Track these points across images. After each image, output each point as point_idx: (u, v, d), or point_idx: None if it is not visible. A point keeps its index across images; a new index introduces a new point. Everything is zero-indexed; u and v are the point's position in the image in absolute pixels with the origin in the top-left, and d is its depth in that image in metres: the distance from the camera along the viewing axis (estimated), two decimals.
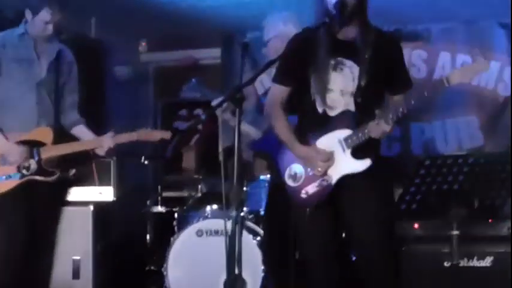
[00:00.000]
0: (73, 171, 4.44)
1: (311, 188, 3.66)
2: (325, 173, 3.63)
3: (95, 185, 4.94)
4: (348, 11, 3.55)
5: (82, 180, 4.87)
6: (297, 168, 3.71)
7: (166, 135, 4.37)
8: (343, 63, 3.64)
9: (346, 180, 3.62)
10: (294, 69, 3.73)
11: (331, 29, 3.59)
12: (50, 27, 4.28)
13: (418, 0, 6.33)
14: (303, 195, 3.68)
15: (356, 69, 3.62)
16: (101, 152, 4.37)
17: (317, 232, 3.72)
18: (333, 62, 3.64)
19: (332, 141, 3.64)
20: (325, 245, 3.75)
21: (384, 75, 3.65)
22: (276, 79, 3.85)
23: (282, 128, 3.77)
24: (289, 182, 3.74)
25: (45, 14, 4.23)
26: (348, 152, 3.60)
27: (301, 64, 3.69)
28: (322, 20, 3.62)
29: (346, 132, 3.61)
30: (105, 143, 4.30)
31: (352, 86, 3.63)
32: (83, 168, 4.85)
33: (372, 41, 3.61)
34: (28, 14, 4.30)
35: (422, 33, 7.08)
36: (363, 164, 3.60)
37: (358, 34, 3.64)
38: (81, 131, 4.52)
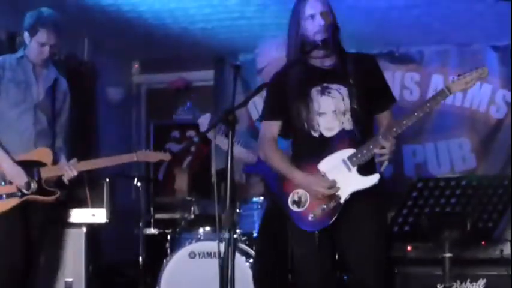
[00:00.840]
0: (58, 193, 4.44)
1: (318, 211, 3.61)
2: (334, 194, 3.60)
3: (87, 207, 4.94)
4: (327, 42, 3.60)
5: (75, 202, 4.90)
6: (301, 193, 3.67)
7: (166, 157, 4.54)
8: (330, 87, 3.67)
9: (355, 197, 3.59)
10: (280, 103, 3.75)
11: (309, 60, 3.65)
12: (46, 49, 4.37)
13: (411, 23, 6.38)
14: (311, 219, 3.62)
15: (344, 89, 3.65)
16: (66, 176, 4.42)
17: (321, 256, 3.68)
18: (319, 88, 3.67)
19: (336, 162, 3.63)
20: (329, 270, 3.73)
21: (368, 97, 3.67)
22: (265, 117, 3.87)
23: (280, 163, 3.75)
24: (293, 208, 3.68)
25: (41, 36, 4.33)
26: (354, 169, 3.59)
27: (286, 98, 3.71)
28: (299, 56, 3.66)
29: (349, 151, 3.60)
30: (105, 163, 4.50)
31: (343, 106, 3.64)
32: (76, 190, 4.87)
33: (350, 68, 3.65)
34: (26, 38, 4.39)
35: (415, 56, 7.13)
36: (372, 179, 3.59)
37: (338, 63, 3.68)
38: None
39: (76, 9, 5.80)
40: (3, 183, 4.28)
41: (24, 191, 4.28)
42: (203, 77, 8.01)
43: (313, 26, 3.62)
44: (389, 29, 6.34)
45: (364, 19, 5.87)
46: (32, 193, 4.30)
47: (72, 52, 6.53)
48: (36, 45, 4.37)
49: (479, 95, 6.80)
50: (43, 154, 4.42)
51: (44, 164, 4.39)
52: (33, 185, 4.31)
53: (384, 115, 3.79)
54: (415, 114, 3.54)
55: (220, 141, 4.72)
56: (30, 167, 4.33)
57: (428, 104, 3.57)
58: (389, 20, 6.23)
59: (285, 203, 3.71)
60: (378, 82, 3.78)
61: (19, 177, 4.27)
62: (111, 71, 7.64)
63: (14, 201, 4.28)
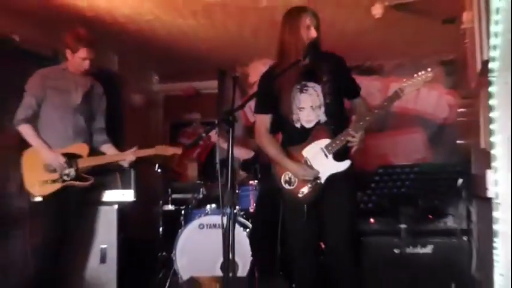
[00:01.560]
0: (92, 179, 4.46)
1: (306, 189, 3.64)
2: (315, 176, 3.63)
3: (118, 189, 4.95)
4: (316, 50, 3.63)
5: (108, 185, 4.90)
6: (290, 174, 3.69)
7: (178, 150, 4.53)
8: (307, 85, 3.66)
9: (332, 179, 3.61)
10: (268, 99, 3.73)
11: (292, 62, 3.56)
12: (87, 63, 4.41)
13: (375, 42, 6.42)
14: (300, 195, 3.65)
15: (318, 87, 3.65)
16: (124, 164, 4.52)
17: (309, 226, 3.69)
18: (298, 86, 3.66)
19: (315, 149, 3.63)
20: (313, 236, 3.74)
21: (340, 89, 3.69)
22: (258, 110, 3.86)
23: (271, 148, 3.77)
24: (286, 186, 3.70)
25: (82, 52, 4.36)
26: (331, 156, 3.60)
27: (273, 94, 3.69)
28: (283, 58, 3.64)
29: (325, 141, 3.62)
30: (128, 156, 4.46)
31: (318, 101, 3.64)
32: (109, 175, 4.89)
33: (324, 67, 3.64)
34: (69, 54, 4.41)
35: (377, 68, 7.16)
36: (345, 164, 3.62)
37: (313, 63, 3.64)
38: (109, 147, 4.62)
39: (108, 32, 5.83)
40: (48, 171, 4.28)
41: (64, 177, 4.29)
42: (209, 85, 8.03)
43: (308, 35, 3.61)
44: (358, 47, 6.37)
45: (338, 38, 5.91)
46: (71, 180, 4.32)
47: (105, 65, 6.54)
48: (79, 60, 4.39)
49: (428, 100, 6.84)
50: (80, 148, 4.42)
51: (80, 156, 4.39)
52: (72, 173, 4.31)
53: (357, 102, 3.83)
54: (376, 111, 3.57)
55: (222, 144, 4.74)
56: (69, 158, 4.34)
57: (385, 103, 3.58)
58: (358, 40, 6.27)
59: (279, 182, 3.73)
60: (345, 77, 3.79)
61: (56, 160, 4.27)
62: (135, 81, 7.64)
63: (57, 186, 4.29)
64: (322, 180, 3.63)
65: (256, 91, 3.88)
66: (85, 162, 4.40)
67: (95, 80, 4.64)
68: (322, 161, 3.63)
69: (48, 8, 5.22)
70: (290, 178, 3.68)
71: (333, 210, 3.64)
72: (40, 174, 4.29)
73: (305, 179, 3.63)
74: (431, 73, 3.57)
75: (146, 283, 5.28)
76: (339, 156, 3.62)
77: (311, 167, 3.64)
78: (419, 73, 3.59)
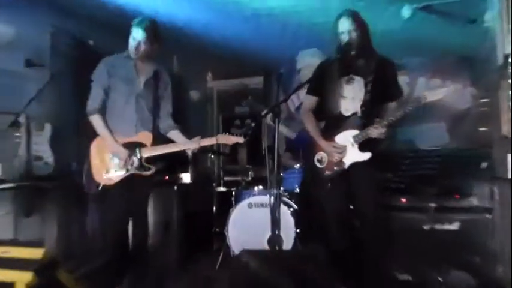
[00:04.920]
0: (153, 168, 4.06)
1: (331, 170, 3.71)
2: (340, 160, 3.66)
3: (177, 172, 4.93)
4: (353, 48, 3.64)
5: (170, 169, 4.85)
6: (322, 155, 3.77)
7: (241, 140, 4.02)
8: (353, 78, 3.70)
9: (355, 166, 3.67)
10: (319, 85, 3.80)
11: (344, 57, 3.65)
12: (138, 44, 3.98)
13: (403, 40, 6.26)
14: (326, 174, 3.73)
15: (362, 82, 3.68)
16: (189, 152, 4.07)
17: (335, 202, 3.73)
18: (346, 77, 3.71)
19: (346, 137, 3.70)
20: (341, 211, 3.75)
21: (382, 90, 3.66)
22: (308, 91, 3.91)
23: (310, 125, 3.86)
24: (317, 164, 3.79)
25: (134, 32, 3.97)
26: (356, 146, 3.66)
27: (323, 81, 3.75)
28: (336, 54, 3.68)
29: (354, 132, 3.67)
30: (193, 145, 4.01)
31: (360, 94, 3.67)
32: (171, 161, 4.78)
33: (373, 67, 3.65)
34: (131, 40, 4.02)
35: (406, 64, 6.99)
36: (365, 155, 3.64)
37: (364, 61, 3.69)
38: (177, 135, 4.16)
39: (168, 35, 5.80)
40: (113, 161, 3.99)
41: (128, 167, 3.97)
42: (256, 81, 7.97)
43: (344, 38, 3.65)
44: (387, 45, 6.21)
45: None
46: (135, 169, 3.97)
47: (166, 66, 6.54)
48: (132, 41, 3.98)
49: (452, 94, 6.65)
50: (144, 137, 4.00)
51: (144, 145, 3.99)
52: (136, 162, 3.96)
53: (391, 105, 3.76)
54: (399, 112, 3.55)
55: (271, 121, 4.75)
56: (133, 148, 3.98)
57: (408, 107, 3.54)
58: (388, 39, 6.10)
59: (312, 160, 3.82)
60: (391, 80, 3.75)
61: (120, 152, 3.96)
62: (192, 78, 7.63)
63: (121, 175, 3.97)
64: (346, 166, 3.69)
65: (312, 75, 3.91)
66: (148, 152, 3.99)
67: (159, 66, 4.19)
68: (348, 148, 3.68)
69: (120, 15, 5.19)
70: (321, 158, 3.77)
71: (362, 190, 3.68)
72: (106, 164, 4.00)
73: (333, 154, 3.69)
74: (453, 88, 3.54)
75: (202, 254, 5.26)
76: (363, 147, 3.65)
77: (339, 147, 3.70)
78: (446, 87, 3.54)
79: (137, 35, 3.95)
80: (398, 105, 3.72)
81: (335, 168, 3.70)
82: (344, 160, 3.68)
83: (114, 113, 4.05)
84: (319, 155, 3.77)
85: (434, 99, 3.51)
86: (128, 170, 3.97)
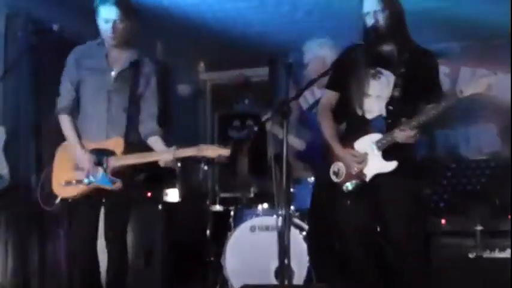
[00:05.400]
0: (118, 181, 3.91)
1: (350, 185, 3.65)
2: (361, 172, 3.62)
3: (162, 188, 4.92)
4: (381, 33, 3.58)
5: (152, 183, 4.84)
6: (339, 165, 3.71)
7: (225, 152, 3.82)
8: (381, 72, 3.63)
9: (379, 178, 3.59)
10: (341, 78, 3.75)
11: (370, 45, 3.61)
12: (109, 26, 3.88)
13: (440, 22, 6.26)
14: (344, 189, 3.67)
15: (392, 77, 3.61)
16: (160, 164, 3.92)
17: (357, 223, 3.67)
18: (372, 71, 3.64)
19: (367, 143, 3.63)
20: (364, 235, 3.69)
21: (417, 88, 3.60)
22: (327, 86, 3.88)
23: (327, 127, 3.81)
24: (333, 178, 3.73)
25: (102, 12, 3.88)
26: (379, 153, 3.58)
27: (346, 74, 3.70)
28: (361, 40, 3.64)
29: (378, 136, 3.60)
30: (165, 156, 3.86)
31: (387, 92, 3.61)
32: (153, 173, 4.75)
33: (406, 58, 3.59)
34: (101, 23, 3.93)
35: (445, 51, 6.99)
36: (390, 165, 3.57)
37: (395, 50, 3.64)
38: (155, 142, 4.02)
39: (150, 16, 5.82)
40: (75, 170, 3.90)
41: (90, 178, 3.85)
42: (259, 73, 7.97)
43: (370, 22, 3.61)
44: (420, 28, 6.21)
45: None
46: (97, 181, 3.84)
47: (148, 54, 6.55)
48: (101, 23, 3.89)
49: (504, 85, 6.64)
50: (114, 143, 3.90)
51: (113, 153, 3.88)
52: (99, 174, 3.84)
53: (428, 107, 3.63)
54: (432, 112, 3.47)
55: (276, 130, 4.71)
56: (100, 155, 3.86)
57: (443, 104, 3.45)
58: (421, 20, 6.10)
59: (327, 172, 3.76)
60: (429, 77, 3.68)
61: (83, 159, 3.87)
62: (180, 69, 7.64)
63: (82, 188, 3.86)
64: (367, 179, 3.63)
65: (331, 68, 3.88)
66: (117, 161, 3.87)
67: (140, 55, 4.08)
68: (371, 156, 3.63)
69: None
70: (338, 170, 3.71)
71: (391, 208, 3.60)
72: (67, 173, 3.92)
73: (352, 168, 3.64)
74: (495, 78, 3.43)
75: None
76: (389, 154, 3.58)
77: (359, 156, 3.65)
78: (485, 77, 3.45)
79: (109, 14, 3.88)
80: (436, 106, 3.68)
81: (354, 181, 3.65)
82: (365, 171, 3.62)
83: (83, 113, 4.02)
84: (336, 165, 3.72)
85: (474, 92, 3.45)
86: (90, 182, 3.89)
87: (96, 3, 3.90)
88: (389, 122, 3.59)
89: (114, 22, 3.89)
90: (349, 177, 3.66)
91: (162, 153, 3.91)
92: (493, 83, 3.42)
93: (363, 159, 3.61)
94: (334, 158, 3.74)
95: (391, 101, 3.60)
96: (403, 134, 3.50)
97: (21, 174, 5.08)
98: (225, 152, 3.85)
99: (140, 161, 3.93)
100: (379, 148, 3.58)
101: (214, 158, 3.87)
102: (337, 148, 3.71)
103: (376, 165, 3.60)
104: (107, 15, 3.88)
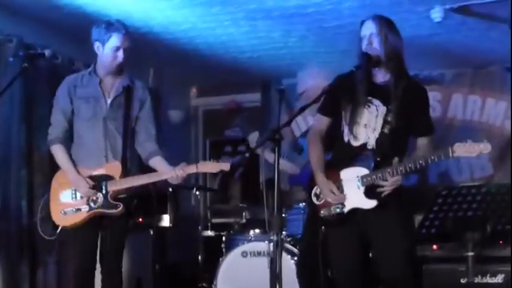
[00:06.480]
0: (135, 201, 4.08)
1: (326, 210, 3.65)
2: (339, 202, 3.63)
3: (154, 213, 4.93)
4: (374, 61, 3.58)
5: (144, 209, 4.83)
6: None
7: (226, 166, 3.94)
8: (372, 101, 3.62)
9: (358, 211, 3.58)
10: (332, 103, 3.74)
11: (364, 70, 3.59)
12: (121, 53, 3.99)
13: (433, 49, 6.32)
14: (321, 214, 3.68)
15: (382, 108, 3.60)
16: (173, 181, 4.00)
17: (342, 251, 3.69)
18: (363, 99, 3.63)
19: (352, 175, 3.61)
20: (351, 264, 3.69)
21: (408, 122, 3.60)
22: (319, 111, 3.86)
23: (313, 155, 3.78)
24: (314, 199, 3.75)
25: (114, 40, 3.97)
26: (362, 189, 3.56)
27: (337, 100, 3.70)
28: (355, 67, 3.62)
29: (364, 171, 3.57)
30: (173, 174, 3.94)
31: (374, 122, 3.61)
32: (145, 199, 4.76)
33: (399, 92, 3.57)
34: (98, 49, 4.03)
35: (437, 78, 7.07)
36: (370, 203, 3.56)
37: (388, 81, 3.62)
38: (159, 162, 4.09)
39: (142, 43, 5.87)
40: (74, 198, 3.99)
41: (91, 205, 3.92)
42: (251, 98, 8.03)
43: (364, 45, 3.62)
44: (414, 54, 6.27)
45: None
46: (99, 207, 3.92)
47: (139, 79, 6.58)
48: (111, 51, 3.98)
49: (495, 111, 6.71)
50: (112, 168, 3.97)
51: (112, 178, 3.95)
52: (100, 199, 3.92)
53: (420, 142, 3.71)
54: (420, 162, 3.43)
55: (268, 155, 4.72)
56: (99, 181, 3.93)
57: (432, 157, 3.45)
58: (414, 47, 6.17)
59: (310, 194, 3.77)
60: (420, 111, 3.68)
61: (82, 186, 3.93)
62: (172, 96, 7.68)
63: (82, 215, 3.93)
64: (345, 209, 3.61)
65: (324, 91, 3.77)
66: (116, 185, 3.93)
67: (132, 80, 4.17)
68: (353, 190, 3.60)
69: (80, 19, 5.24)
70: (320, 193, 3.70)
71: (382, 236, 3.61)
72: (66, 202, 3.99)
73: (327, 198, 3.63)
74: (488, 146, 3.45)
75: None
76: (371, 192, 3.56)
77: (341, 190, 3.62)
78: (478, 143, 3.44)
79: (121, 42, 3.98)
80: (429, 141, 3.71)
81: (332, 209, 3.63)
82: (345, 202, 3.60)
83: (79, 141, 4.09)
84: (317, 188, 3.72)
85: (465, 156, 3.48)
86: (91, 209, 3.95)
87: (108, 32, 3.97)
88: (377, 158, 3.57)
89: (124, 50, 4.00)
90: (328, 202, 3.65)
91: (169, 172, 3.97)
92: (484, 152, 3.46)
93: (340, 199, 3.60)
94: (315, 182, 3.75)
95: (380, 136, 3.60)
96: (390, 179, 3.48)
97: (12, 202, 5.08)
98: (225, 166, 3.93)
99: (145, 181, 4.01)
100: (363, 184, 3.56)
101: (217, 174, 3.91)
102: (319, 178, 3.68)
103: (356, 199, 3.59)
104: (119, 43, 3.98)
